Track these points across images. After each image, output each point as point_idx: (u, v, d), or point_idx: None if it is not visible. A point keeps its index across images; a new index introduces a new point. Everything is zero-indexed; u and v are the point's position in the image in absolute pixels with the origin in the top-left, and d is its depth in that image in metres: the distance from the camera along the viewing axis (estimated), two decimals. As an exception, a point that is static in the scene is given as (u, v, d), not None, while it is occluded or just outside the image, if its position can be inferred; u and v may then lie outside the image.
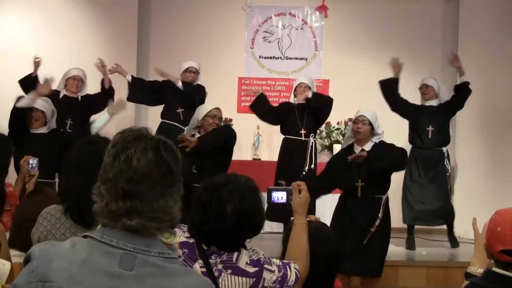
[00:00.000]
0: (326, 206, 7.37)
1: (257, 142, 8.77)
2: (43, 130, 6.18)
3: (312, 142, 7.10)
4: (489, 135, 8.04)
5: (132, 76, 7.55)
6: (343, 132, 8.50)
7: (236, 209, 2.28)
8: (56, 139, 6.12)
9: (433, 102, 7.23)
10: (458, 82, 7.29)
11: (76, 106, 7.02)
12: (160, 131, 7.40)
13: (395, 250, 6.72)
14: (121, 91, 7.53)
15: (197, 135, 5.62)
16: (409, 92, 7.49)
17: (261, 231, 2.45)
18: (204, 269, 2.27)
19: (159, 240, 1.52)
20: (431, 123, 7.11)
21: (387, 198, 5.49)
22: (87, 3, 8.59)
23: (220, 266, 2.28)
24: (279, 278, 2.35)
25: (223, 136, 5.66)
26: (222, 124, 5.77)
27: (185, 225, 2.38)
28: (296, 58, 9.24)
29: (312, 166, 7.01)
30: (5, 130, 5.66)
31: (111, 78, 7.42)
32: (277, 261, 2.42)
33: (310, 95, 7.00)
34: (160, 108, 7.73)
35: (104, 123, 6.91)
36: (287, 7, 9.29)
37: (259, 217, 2.37)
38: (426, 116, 7.12)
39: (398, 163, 5.48)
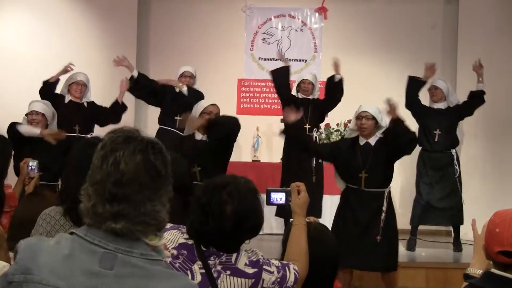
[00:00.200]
0: (326, 207, 7.39)
1: (257, 144, 8.77)
2: None
3: (316, 137, 7.11)
4: (488, 136, 8.04)
5: (138, 72, 7.48)
6: (343, 134, 8.49)
7: (235, 210, 2.28)
8: (60, 143, 6.00)
9: (441, 105, 7.21)
10: (476, 88, 7.21)
11: (82, 112, 6.98)
12: (158, 137, 7.38)
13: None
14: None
15: (198, 135, 5.60)
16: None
17: (260, 232, 2.45)
18: (203, 270, 2.27)
19: (143, 242, 1.51)
20: (438, 126, 7.10)
21: (390, 192, 5.49)
22: (86, 5, 8.59)
23: (219, 267, 2.28)
24: (278, 279, 2.35)
25: (232, 119, 5.64)
26: None
27: (184, 227, 2.39)
28: (296, 60, 9.24)
29: (320, 160, 7.03)
30: (4, 131, 5.65)
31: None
32: (276, 262, 2.42)
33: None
34: (156, 118, 7.71)
35: None
36: (286, 8, 9.29)
37: (258, 218, 2.37)
38: (433, 119, 7.10)
39: (412, 140, 5.49)
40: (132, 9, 8.76)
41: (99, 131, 7.33)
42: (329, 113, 7.66)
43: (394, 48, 8.99)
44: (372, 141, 5.49)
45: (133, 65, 7.50)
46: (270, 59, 9.28)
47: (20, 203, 3.64)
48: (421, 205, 7.13)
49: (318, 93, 7.45)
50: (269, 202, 2.72)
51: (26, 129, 5.97)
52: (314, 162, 7.03)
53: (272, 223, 7.73)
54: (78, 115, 6.91)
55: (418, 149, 7.01)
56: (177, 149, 5.44)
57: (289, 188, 2.71)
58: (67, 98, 7.01)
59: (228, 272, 2.28)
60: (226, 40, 9.15)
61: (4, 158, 3.40)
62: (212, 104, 5.69)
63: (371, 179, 5.41)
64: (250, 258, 2.34)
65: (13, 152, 4.44)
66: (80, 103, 7.05)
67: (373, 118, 5.46)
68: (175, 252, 2.30)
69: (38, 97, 6.86)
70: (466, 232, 7.23)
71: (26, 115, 6.19)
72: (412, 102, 7.17)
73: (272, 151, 8.79)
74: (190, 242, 2.33)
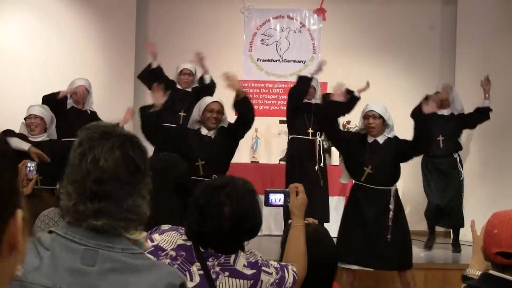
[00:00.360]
0: (331, 209, 7.41)
1: (255, 145, 8.77)
2: (43, 137, 6.02)
3: (319, 141, 7.12)
4: (487, 137, 8.03)
5: (158, 65, 7.41)
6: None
7: (234, 211, 2.28)
8: (60, 148, 5.89)
9: (445, 111, 7.21)
10: (482, 104, 7.22)
11: (84, 119, 6.81)
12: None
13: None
14: (122, 99, 7.48)
15: (204, 130, 5.60)
16: (407, 94, 7.49)
17: (259, 234, 2.44)
18: (201, 272, 2.27)
19: (123, 237, 1.52)
20: (442, 132, 7.11)
21: (396, 190, 5.48)
22: (85, 5, 8.59)
23: (217, 269, 2.28)
24: (277, 280, 2.35)
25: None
26: (223, 117, 5.68)
27: (183, 228, 2.38)
28: (294, 61, 9.25)
29: (322, 164, 7.04)
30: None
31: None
32: (275, 263, 2.41)
33: None
34: None
35: None
36: (285, 10, 9.30)
37: (256, 219, 2.37)
38: (437, 126, 7.09)
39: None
40: (131, 10, 8.76)
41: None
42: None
43: (393, 49, 9.00)
44: (381, 139, 5.48)
45: (157, 55, 7.40)
46: (269, 60, 9.29)
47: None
48: (433, 209, 7.19)
49: (320, 96, 7.43)
50: (267, 203, 2.71)
51: (16, 143, 5.85)
52: (317, 166, 7.02)
53: (270, 224, 7.73)
54: (80, 121, 6.78)
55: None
56: (181, 135, 5.47)
57: (287, 189, 2.71)
58: (69, 104, 6.94)
59: (227, 274, 2.27)
60: (224, 41, 9.15)
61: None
62: (214, 101, 5.64)
63: (376, 176, 5.40)
64: (248, 260, 2.33)
65: None
66: (83, 110, 6.94)
67: (380, 116, 5.45)
68: (173, 253, 2.30)
69: (37, 98, 6.85)
70: (465, 233, 7.24)
71: (25, 119, 6.17)
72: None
73: (271, 152, 8.80)
74: (189, 243, 2.32)
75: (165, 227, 2.42)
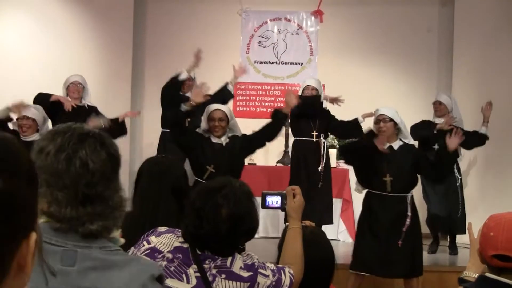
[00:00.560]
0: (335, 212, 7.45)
1: (253, 147, 8.76)
2: (35, 137, 5.98)
3: (324, 143, 7.12)
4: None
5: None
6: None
7: (231, 213, 2.28)
8: None
9: (444, 120, 7.21)
10: (480, 129, 7.20)
11: (83, 114, 6.85)
12: (163, 141, 7.37)
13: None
14: (119, 99, 7.47)
15: (214, 138, 5.60)
16: (405, 96, 7.49)
17: (256, 236, 2.44)
18: (198, 274, 2.27)
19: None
20: (437, 141, 7.09)
21: (412, 196, 5.47)
22: (83, 7, 8.59)
23: (214, 271, 2.28)
24: (274, 283, 2.35)
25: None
26: (229, 123, 5.67)
27: (180, 230, 2.38)
28: (292, 63, 9.26)
29: (326, 165, 7.04)
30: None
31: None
32: (272, 266, 2.41)
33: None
34: (154, 118, 7.68)
35: None
36: (282, 12, 9.30)
37: (253, 221, 2.37)
38: (434, 134, 7.09)
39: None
40: (129, 11, 8.76)
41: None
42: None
43: (390, 51, 9.01)
44: (395, 145, 5.45)
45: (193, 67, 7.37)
46: (266, 62, 9.29)
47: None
48: (433, 218, 7.19)
49: (323, 98, 7.42)
50: (264, 205, 2.71)
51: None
52: (321, 167, 7.03)
53: (267, 227, 7.73)
54: (78, 117, 6.77)
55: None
56: (198, 140, 5.51)
57: (284, 192, 2.70)
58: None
59: (223, 276, 2.27)
60: (222, 43, 9.15)
61: None
62: (215, 110, 5.63)
63: (394, 184, 5.38)
64: (245, 262, 2.33)
65: None
66: (81, 105, 6.97)
67: (391, 120, 5.43)
68: (170, 255, 2.30)
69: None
70: (462, 236, 7.24)
71: (17, 119, 6.15)
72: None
73: (268, 154, 8.78)
74: (185, 245, 2.32)
75: (162, 229, 2.41)
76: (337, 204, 7.65)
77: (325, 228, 6.79)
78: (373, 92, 8.53)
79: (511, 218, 2.27)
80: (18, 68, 7.89)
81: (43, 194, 1.48)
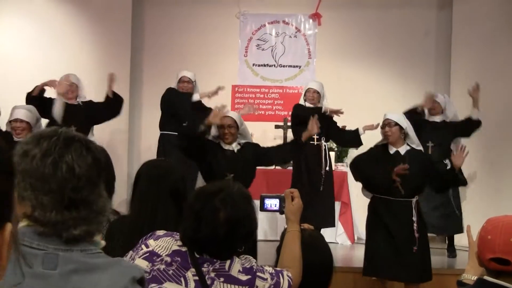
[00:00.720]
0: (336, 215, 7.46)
1: (251, 150, 8.77)
2: None
3: (325, 145, 7.12)
4: (482, 142, 8.04)
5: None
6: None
7: (229, 217, 2.28)
8: None
9: (437, 118, 7.21)
10: (472, 114, 7.22)
11: (78, 113, 6.86)
12: (163, 144, 7.37)
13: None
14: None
15: (224, 145, 5.58)
16: (403, 99, 7.50)
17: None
18: (196, 278, 2.26)
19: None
20: (432, 139, 7.10)
21: (417, 201, 5.47)
22: (81, 9, 8.59)
23: (212, 274, 2.27)
24: (272, 286, 2.35)
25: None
26: (238, 129, 5.65)
27: (178, 234, 2.38)
28: (290, 66, 9.26)
29: (327, 168, 7.04)
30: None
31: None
32: (270, 269, 2.41)
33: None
34: (153, 120, 7.67)
35: None
36: (280, 15, 9.31)
37: (251, 224, 2.37)
38: (428, 132, 7.09)
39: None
40: (127, 13, 8.75)
41: (99, 131, 7.31)
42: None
43: (388, 54, 9.01)
44: (402, 150, 5.45)
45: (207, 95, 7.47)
46: (264, 65, 9.29)
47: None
48: (428, 220, 7.18)
49: (327, 101, 7.42)
50: (263, 208, 2.71)
51: None
52: (323, 170, 7.03)
53: (266, 230, 7.72)
54: (74, 116, 6.76)
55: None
56: (212, 149, 5.51)
57: (283, 195, 2.70)
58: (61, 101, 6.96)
59: (222, 279, 2.27)
60: (220, 46, 9.16)
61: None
62: (227, 116, 5.61)
63: (403, 188, 5.37)
64: (243, 265, 2.33)
65: None
66: (76, 104, 6.97)
67: (396, 124, 5.43)
68: (168, 259, 2.29)
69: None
70: (460, 238, 7.24)
71: (10, 121, 6.14)
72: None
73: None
74: (184, 249, 2.32)
75: (160, 232, 2.41)
76: (335, 207, 7.65)
77: (323, 231, 6.80)
78: (371, 95, 8.53)
79: (509, 221, 2.28)
80: (17, 70, 7.88)
81: (28, 197, 1.49)
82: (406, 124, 5.46)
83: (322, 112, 7.06)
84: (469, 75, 7.99)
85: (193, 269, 2.28)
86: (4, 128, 6.32)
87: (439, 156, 7.14)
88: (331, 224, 7.21)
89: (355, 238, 7.97)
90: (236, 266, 2.31)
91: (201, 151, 5.47)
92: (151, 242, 2.35)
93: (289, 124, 7.86)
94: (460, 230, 7.20)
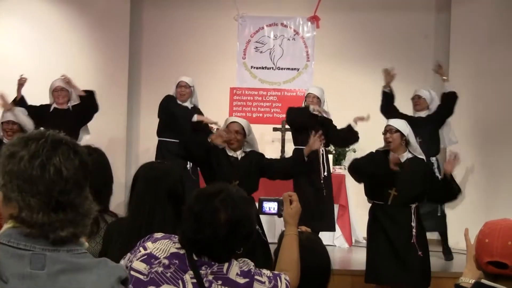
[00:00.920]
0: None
1: (249, 152, 8.76)
2: None
3: (323, 150, 7.13)
4: (480, 144, 8.05)
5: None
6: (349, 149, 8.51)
7: (229, 217, 2.28)
8: None
9: (422, 114, 7.25)
10: (445, 89, 7.30)
11: (67, 118, 6.86)
12: (160, 150, 7.36)
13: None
14: (115, 106, 7.42)
15: (230, 151, 5.57)
16: (402, 102, 7.50)
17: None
18: (194, 280, 2.26)
19: None
20: (419, 135, 7.09)
21: (417, 207, 5.47)
22: (79, 14, 8.59)
23: (210, 277, 2.27)
24: (270, 289, 2.35)
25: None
26: (246, 137, 5.63)
27: (176, 236, 2.38)
28: (288, 69, 9.26)
29: (326, 173, 7.04)
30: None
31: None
32: (268, 272, 2.41)
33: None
34: (151, 123, 7.66)
35: None
36: (279, 17, 9.31)
37: (251, 225, 2.37)
38: (414, 128, 7.09)
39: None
40: (125, 17, 8.76)
41: (97, 133, 7.30)
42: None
43: (386, 57, 8.99)
44: (403, 157, 5.44)
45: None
46: (262, 68, 9.29)
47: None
48: None
49: (327, 106, 7.41)
50: (261, 211, 2.72)
51: None
52: (323, 175, 7.03)
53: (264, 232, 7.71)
54: (62, 121, 6.73)
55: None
56: (213, 156, 5.49)
57: (281, 198, 2.70)
58: (52, 106, 6.97)
59: (220, 282, 2.27)
60: (218, 49, 9.16)
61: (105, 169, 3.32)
62: (234, 122, 5.63)
63: (400, 197, 5.38)
64: (241, 268, 2.33)
65: None
66: (66, 109, 6.98)
67: (397, 131, 5.42)
68: (166, 261, 2.29)
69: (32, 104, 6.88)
70: (457, 241, 7.24)
71: (2, 123, 6.14)
72: (387, 112, 7.15)
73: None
74: (182, 251, 2.32)
75: (158, 235, 2.41)
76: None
77: (321, 234, 6.79)
78: (369, 98, 8.50)
79: (507, 225, 2.28)
80: (14, 72, 7.86)
81: (15, 199, 1.50)
82: (408, 131, 5.46)
83: (311, 110, 7.04)
84: (467, 78, 8.01)
85: (191, 272, 2.28)
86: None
87: (428, 152, 7.14)
88: (331, 228, 7.21)
89: (353, 241, 7.97)
90: (234, 269, 2.31)
91: (204, 156, 5.47)
92: (149, 244, 2.35)
93: (287, 127, 7.85)
94: (444, 229, 7.20)
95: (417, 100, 7.33)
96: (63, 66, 8.06)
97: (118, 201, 6.75)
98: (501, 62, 7.91)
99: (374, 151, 5.65)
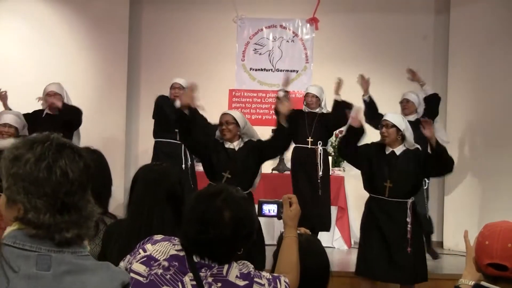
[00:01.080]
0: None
1: (248, 154, 8.76)
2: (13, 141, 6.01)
3: (321, 150, 7.13)
4: (479, 146, 8.06)
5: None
6: (334, 144, 8.48)
7: (233, 216, 2.28)
8: None
9: (411, 117, 7.21)
10: (426, 93, 7.30)
11: (58, 123, 6.80)
12: (156, 151, 7.36)
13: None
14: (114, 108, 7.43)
15: (227, 143, 5.60)
16: (399, 104, 7.50)
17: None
18: (194, 282, 2.26)
19: None
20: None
21: (413, 202, 5.48)
22: (78, 15, 8.59)
23: (210, 279, 2.27)
24: (269, 291, 2.34)
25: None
26: (240, 128, 5.63)
27: (176, 238, 2.37)
28: (287, 70, 9.26)
29: (321, 172, 7.06)
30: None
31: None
32: (267, 275, 2.41)
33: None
34: (150, 125, 7.67)
35: None
36: (278, 19, 9.31)
37: (253, 224, 2.38)
38: None
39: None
40: (124, 19, 8.76)
41: (96, 135, 7.29)
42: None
43: (385, 59, 9.02)
44: (398, 151, 5.48)
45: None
46: (261, 70, 9.30)
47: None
48: None
49: (325, 106, 7.43)
50: (260, 213, 2.71)
51: None
52: (320, 175, 7.04)
53: (263, 234, 7.71)
54: (53, 127, 6.65)
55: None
56: (214, 146, 5.54)
57: (281, 200, 2.70)
58: (45, 112, 6.90)
59: (219, 284, 2.27)
60: (217, 51, 9.16)
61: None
62: (225, 113, 5.69)
63: (394, 190, 5.40)
64: (241, 271, 2.33)
65: None
66: (57, 114, 6.87)
67: (393, 126, 5.45)
68: (166, 263, 2.29)
69: (30, 106, 6.84)
70: (457, 243, 7.24)
71: None
72: (372, 120, 7.14)
73: (263, 161, 8.77)
74: (182, 253, 2.32)
75: (158, 237, 2.40)
76: (332, 211, 7.65)
77: (320, 235, 6.80)
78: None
79: (507, 227, 2.28)
80: (13, 76, 7.88)
81: (20, 201, 1.51)
82: (404, 126, 5.48)
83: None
84: (467, 80, 8.02)
85: (190, 274, 2.27)
86: None
87: None
88: (327, 228, 7.21)
89: (352, 242, 7.97)
90: (233, 271, 2.30)
91: (200, 143, 5.58)
92: (148, 246, 2.35)
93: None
94: (430, 228, 7.20)
95: (405, 104, 7.32)
96: (63, 68, 8.07)
97: (117, 203, 6.76)
98: (500, 64, 7.92)
99: (369, 143, 5.70)
